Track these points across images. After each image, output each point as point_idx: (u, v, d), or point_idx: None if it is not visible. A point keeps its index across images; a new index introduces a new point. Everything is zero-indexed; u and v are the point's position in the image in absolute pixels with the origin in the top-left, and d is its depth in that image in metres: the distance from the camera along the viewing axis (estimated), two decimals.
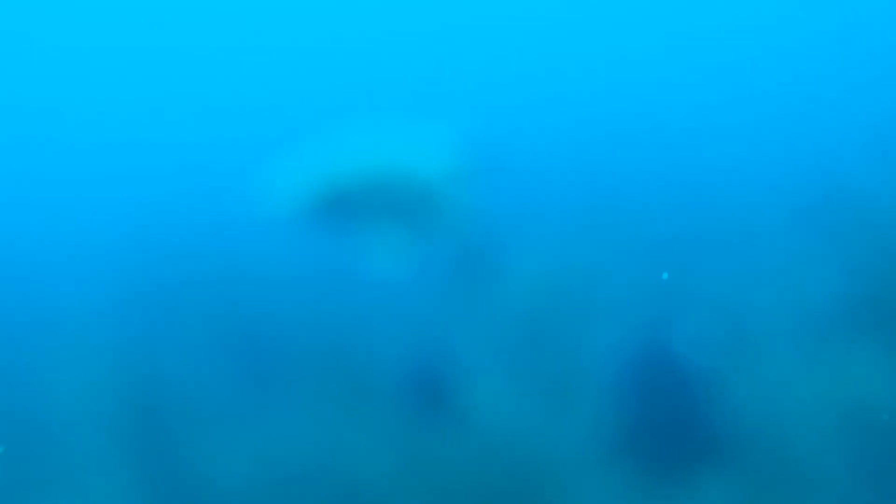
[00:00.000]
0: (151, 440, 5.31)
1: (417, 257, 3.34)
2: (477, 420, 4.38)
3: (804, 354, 4.10)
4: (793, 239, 6.01)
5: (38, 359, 7.28)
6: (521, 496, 3.63)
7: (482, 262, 7.08)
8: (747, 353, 4.30)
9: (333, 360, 6.15)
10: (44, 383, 6.34)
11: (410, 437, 4.32)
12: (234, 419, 5.62)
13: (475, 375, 5.06)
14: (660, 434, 3.88)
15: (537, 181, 5.85)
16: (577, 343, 5.30)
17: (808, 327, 4.56)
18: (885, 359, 3.71)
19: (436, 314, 7.03)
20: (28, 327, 8.25)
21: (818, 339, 4.35)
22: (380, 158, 3.12)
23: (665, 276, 5.02)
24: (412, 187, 3.13)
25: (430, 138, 3.31)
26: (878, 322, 4.11)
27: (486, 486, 2.81)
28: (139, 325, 7.62)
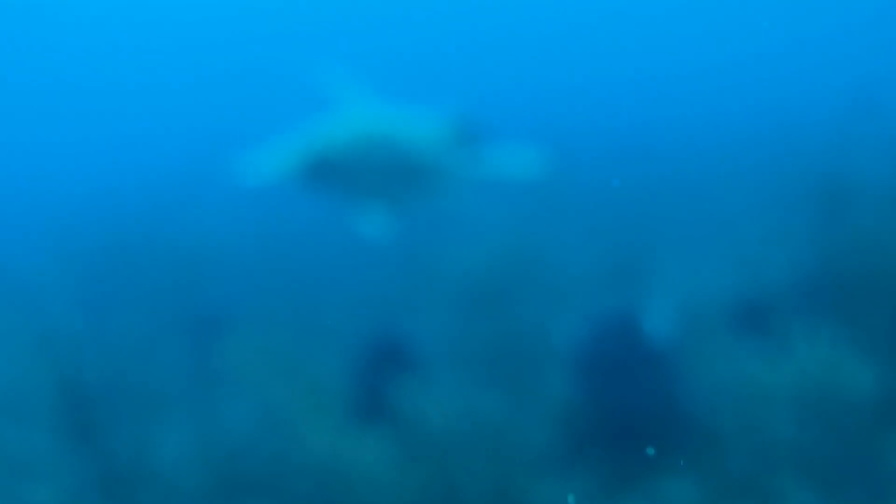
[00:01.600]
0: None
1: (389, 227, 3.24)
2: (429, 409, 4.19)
3: (762, 336, 3.95)
4: (752, 221, 5.89)
5: None
6: (480, 483, 3.45)
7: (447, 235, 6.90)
8: (706, 333, 4.14)
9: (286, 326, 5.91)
10: None
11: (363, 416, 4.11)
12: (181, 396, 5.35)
13: (430, 356, 4.85)
14: (619, 418, 3.69)
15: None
16: (536, 322, 5.12)
17: (765, 308, 4.41)
18: (845, 337, 3.57)
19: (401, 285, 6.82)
20: None
21: (775, 320, 4.21)
22: (357, 130, 3.14)
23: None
24: (389, 158, 3.16)
25: (407, 113, 3.38)
26: (838, 302, 3.97)
27: (437, 471, 2.63)
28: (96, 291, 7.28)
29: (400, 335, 5.18)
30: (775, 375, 3.53)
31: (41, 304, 7.17)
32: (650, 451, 3.40)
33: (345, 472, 3.33)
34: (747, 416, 3.55)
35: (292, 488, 3.67)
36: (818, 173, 6.42)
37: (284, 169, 3.20)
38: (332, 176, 3.19)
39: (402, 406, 2.79)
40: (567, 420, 3.63)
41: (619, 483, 3.32)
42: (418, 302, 5.93)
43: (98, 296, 6.90)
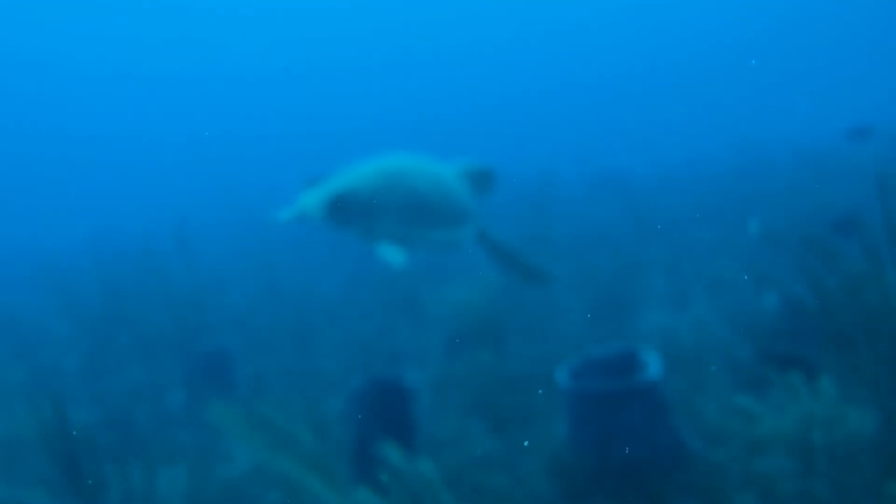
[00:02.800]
0: None
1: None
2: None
3: (759, 382, 3.89)
4: (743, 261, 5.85)
5: None
6: None
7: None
8: (703, 377, 4.08)
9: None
10: None
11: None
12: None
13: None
14: (618, 465, 3.61)
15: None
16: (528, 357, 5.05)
17: (761, 351, 4.35)
18: (844, 382, 3.50)
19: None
20: None
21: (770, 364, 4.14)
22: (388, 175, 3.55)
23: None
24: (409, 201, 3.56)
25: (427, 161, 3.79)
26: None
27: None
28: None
29: (395, 378, 5.10)
30: (774, 421, 3.46)
31: (41, 349, 7.15)
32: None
33: None
34: (748, 464, 3.47)
35: None
36: (807, 214, 6.43)
37: (312, 210, 3.43)
38: (356, 216, 3.45)
39: (396, 457, 2.72)
40: (563, 469, 3.55)
41: None
42: (414, 345, 5.89)
43: (97, 343, 6.86)
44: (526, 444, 4.09)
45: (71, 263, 10.71)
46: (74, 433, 3.63)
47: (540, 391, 4.46)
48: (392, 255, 3.31)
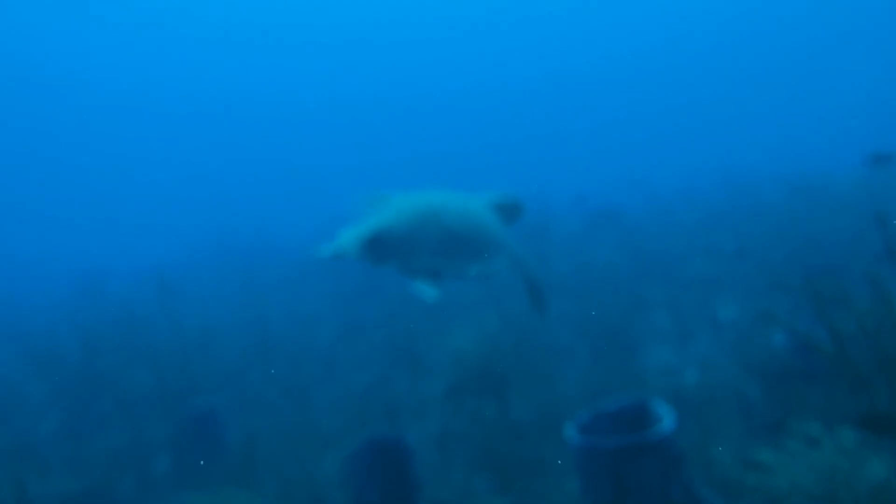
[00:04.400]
0: None
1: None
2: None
3: (773, 428, 3.82)
4: (752, 303, 5.78)
5: None
6: None
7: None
8: (715, 426, 4.00)
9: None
10: None
11: None
12: None
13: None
14: None
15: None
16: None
17: (773, 398, 4.29)
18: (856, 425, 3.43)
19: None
20: None
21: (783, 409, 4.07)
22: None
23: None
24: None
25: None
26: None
27: None
28: None
29: (394, 438, 4.99)
30: (793, 474, 3.38)
31: (14, 412, 6.95)
32: None
33: None
34: None
35: None
36: (803, 246, 6.42)
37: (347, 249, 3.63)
38: (392, 253, 3.67)
39: None
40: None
41: None
42: (414, 396, 5.77)
43: (76, 405, 6.68)
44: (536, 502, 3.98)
45: (47, 317, 10.53)
46: None
47: (548, 444, 4.36)
48: (427, 290, 3.49)
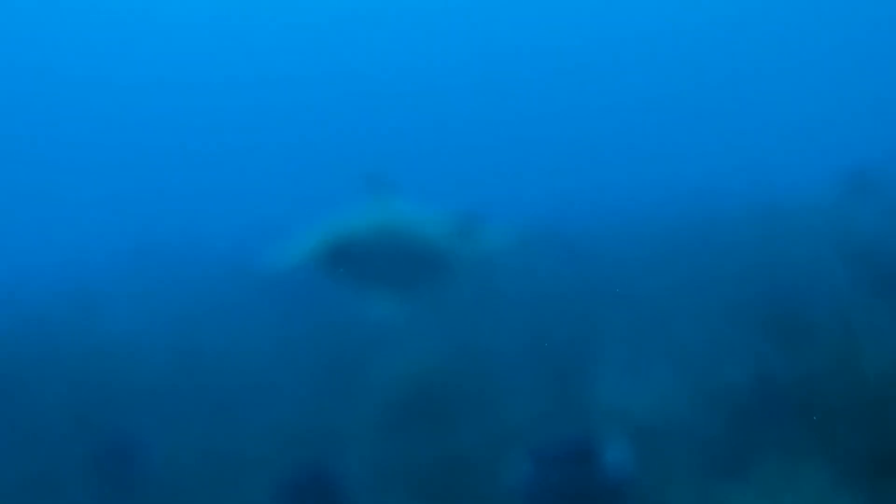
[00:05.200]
0: None
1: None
2: None
3: (731, 468, 3.64)
4: (706, 333, 5.66)
5: None
6: None
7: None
8: (668, 465, 3.81)
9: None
10: None
11: None
12: None
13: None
14: None
15: None
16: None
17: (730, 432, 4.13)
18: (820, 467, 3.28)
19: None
20: None
21: (740, 445, 3.91)
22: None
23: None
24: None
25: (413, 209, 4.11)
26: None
27: None
28: None
29: (326, 464, 4.73)
30: None
31: None
32: None
33: None
34: None
35: None
36: (764, 274, 6.36)
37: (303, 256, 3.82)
38: (348, 263, 3.85)
39: None
40: None
41: None
42: (346, 425, 5.48)
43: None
44: None
45: None
46: None
47: (492, 476, 4.13)
48: (383, 301, 3.86)
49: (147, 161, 33.83)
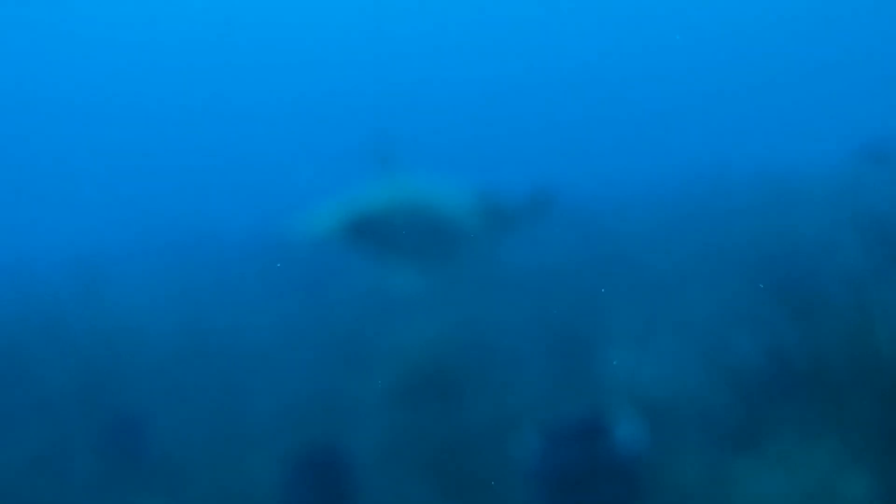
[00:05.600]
0: None
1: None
2: None
3: (741, 441, 3.61)
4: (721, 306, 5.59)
5: None
6: None
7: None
8: (680, 440, 3.78)
9: None
10: None
11: None
12: None
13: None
14: None
15: None
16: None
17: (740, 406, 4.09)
18: (832, 440, 3.24)
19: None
20: None
21: (751, 419, 3.87)
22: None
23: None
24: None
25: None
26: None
27: None
28: None
29: (334, 442, 4.73)
30: (761, 487, 3.17)
31: None
32: None
33: None
34: None
35: None
36: (775, 246, 6.27)
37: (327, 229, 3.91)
38: (370, 236, 3.89)
39: None
40: None
41: None
42: (355, 401, 5.48)
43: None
44: None
45: None
46: None
47: (499, 456, 4.11)
48: (395, 274, 3.94)
49: (159, 138, 33.69)
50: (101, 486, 5.11)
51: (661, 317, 5.52)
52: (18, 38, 39.14)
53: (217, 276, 10.17)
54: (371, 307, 7.00)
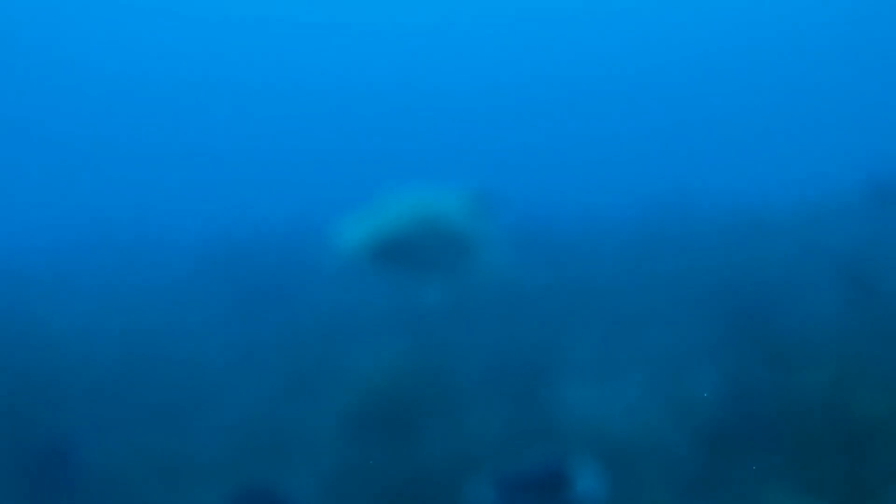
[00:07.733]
0: None
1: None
2: None
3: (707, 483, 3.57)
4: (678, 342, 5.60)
5: None
6: None
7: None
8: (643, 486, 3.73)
9: None
10: None
11: None
12: None
13: None
14: None
15: None
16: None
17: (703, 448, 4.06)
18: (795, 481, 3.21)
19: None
20: None
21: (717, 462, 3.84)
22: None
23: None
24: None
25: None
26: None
27: None
28: None
29: (279, 477, 4.60)
30: None
31: None
32: None
33: None
34: None
35: None
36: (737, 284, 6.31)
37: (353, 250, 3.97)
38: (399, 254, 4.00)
39: None
40: None
41: None
42: (303, 435, 5.34)
43: None
44: None
45: None
46: None
47: (455, 494, 4.02)
48: (429, 286, 3.96)
49: (98, 132, 32.21)
50: None
51: (625, 351, 5.50)
52: None
53: (163, 292, 9.91)
54: (326, 331, 6.88)
